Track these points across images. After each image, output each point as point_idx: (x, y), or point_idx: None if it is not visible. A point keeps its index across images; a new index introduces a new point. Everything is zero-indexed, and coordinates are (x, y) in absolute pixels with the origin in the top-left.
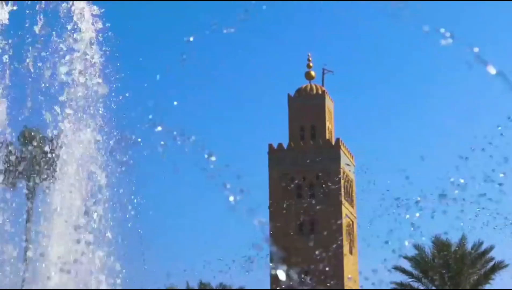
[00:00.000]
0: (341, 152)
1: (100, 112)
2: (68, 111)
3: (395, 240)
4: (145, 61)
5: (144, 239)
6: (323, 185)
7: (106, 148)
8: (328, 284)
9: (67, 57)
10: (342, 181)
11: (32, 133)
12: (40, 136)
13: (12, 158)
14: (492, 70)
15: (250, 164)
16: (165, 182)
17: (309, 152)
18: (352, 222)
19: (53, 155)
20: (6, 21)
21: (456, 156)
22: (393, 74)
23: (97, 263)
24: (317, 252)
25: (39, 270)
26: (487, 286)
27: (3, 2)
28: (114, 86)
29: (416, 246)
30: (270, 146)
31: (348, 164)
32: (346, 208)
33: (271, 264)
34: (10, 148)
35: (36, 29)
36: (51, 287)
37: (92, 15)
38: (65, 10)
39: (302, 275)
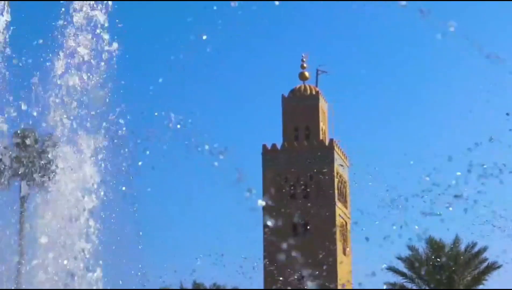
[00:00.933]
0: (335, 153)
1: (93, 113)
2: (64, 112)
3: (389, 242)
4: (143, 63)
5: (143, 240)
6: (317, 186)
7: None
8: (322, 286)
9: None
10: (336, 181)
11: (26, 133)
12: (35, 137)
13: (6, 159)
14: None
15: (244, 165)
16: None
17: (303, 153)
18: (346, 222)
19: (49, 155)
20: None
21: (452, 155)
22: (387, 75)
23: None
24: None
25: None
26: (480, 287)
27: (5, 3)
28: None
29: (410, 247)
30: (264, 146)
31: (342, 165)
32: (339, 209)
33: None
34: (3, 147)
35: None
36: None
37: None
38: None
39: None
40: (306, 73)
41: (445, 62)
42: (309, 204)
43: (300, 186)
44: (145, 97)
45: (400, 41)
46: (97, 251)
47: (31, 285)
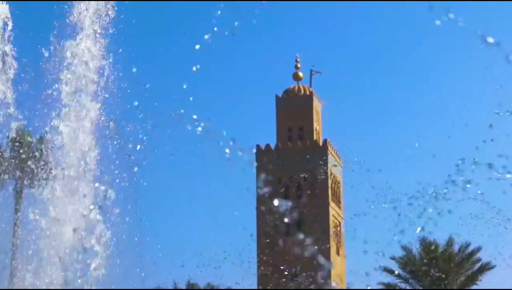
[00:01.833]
0: (329, 153)
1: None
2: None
3: (382, 241)
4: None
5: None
6: (311, 186)
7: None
8: (315, 286)
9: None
10: (330, 182)
11: (20, 133)
12: (29, 138)
13: None
14: None
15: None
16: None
17: (297, 153)
18: (339, 223)
19: (43, 155)
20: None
21: (448, 154)
22: (382, 75)
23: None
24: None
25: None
26: (474, 287)
27: (4, 2)
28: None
29: (404, 247)
30: (258, 146)
31: (335, 165)
32: (333, 209)
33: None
34: None
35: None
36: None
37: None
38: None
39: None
40: (300, 74)
41: (440, 62)
42: (301, 203)
43: (294, 186)
44: (141, 97)
45: (395, 41)
46: (96, 251)
47: (23, 286)
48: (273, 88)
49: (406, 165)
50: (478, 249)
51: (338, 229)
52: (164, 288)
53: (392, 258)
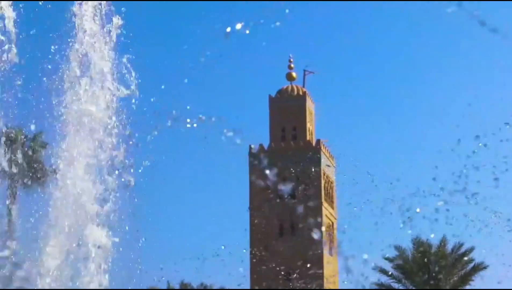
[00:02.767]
0: (322, 154)
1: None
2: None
3: (376, 241)
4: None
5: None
6: (304, 186)
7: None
8: (308, 286)
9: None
10: (323, 182)
11: (14, 132)
12: (24, 137)
13: None
14: None
15: (231, 165)
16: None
17: (290, 153)
18: (332, 223)
19: (35, 156)
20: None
21: (443, 154)
22: (376, 75)
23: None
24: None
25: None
26: (467, 287)
27: (7, 2)
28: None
29: (397, 247)
30: (251, 147)
31: (328, 165)
32: (326, 209)
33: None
34: None
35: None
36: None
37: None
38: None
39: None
40: (293, 74)
41: (435, 62)
42: (294, 204)
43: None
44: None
45: (388, 41)
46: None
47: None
48: (267, 88)
49: (401, 165)
50: (471, 249)
51: (331, 229)
52: (157, 288)
53: (386, 258)
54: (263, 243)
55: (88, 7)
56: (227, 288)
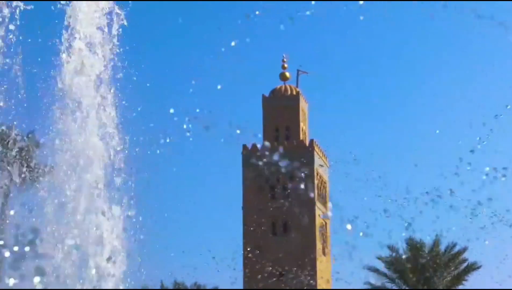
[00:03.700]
0: (315, 153)
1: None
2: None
3: (369, 240)
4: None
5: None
6: (297, 186)
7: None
8: (301, 285)
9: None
10: (316, 182)
11: (4, 128)
12: (16, 135)
13: None
14: None
15: (224, 164)
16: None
17: (283, 153)
18: (326, 223)
19: (25, 153)
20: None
21: (440, 155)
22: (369, 75)
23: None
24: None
25: None
26: (460, 287)
27: (5, 3)
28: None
29: (390, 247)
30: (244, 146)
31: (322, 165)
32: (319, 209)
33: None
34: None
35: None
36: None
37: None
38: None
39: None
40: (287, 74)
41: (431, 62)
42: (288, 203)
43: (280, 186)
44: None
45: (382, 41)
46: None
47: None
48: (260, 88)
49: (395, 165)
50: (464, 249)
51: (324, 229)
52: (150, 288)
53: (379, 258)
54: (256, 242)
55: (83, 7)
56: (220, 288)
